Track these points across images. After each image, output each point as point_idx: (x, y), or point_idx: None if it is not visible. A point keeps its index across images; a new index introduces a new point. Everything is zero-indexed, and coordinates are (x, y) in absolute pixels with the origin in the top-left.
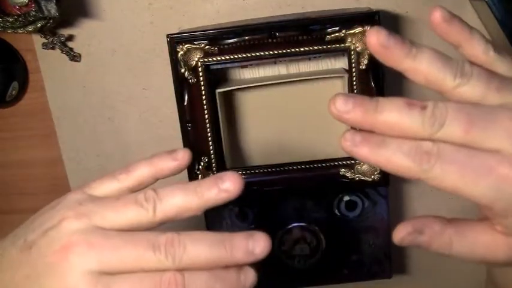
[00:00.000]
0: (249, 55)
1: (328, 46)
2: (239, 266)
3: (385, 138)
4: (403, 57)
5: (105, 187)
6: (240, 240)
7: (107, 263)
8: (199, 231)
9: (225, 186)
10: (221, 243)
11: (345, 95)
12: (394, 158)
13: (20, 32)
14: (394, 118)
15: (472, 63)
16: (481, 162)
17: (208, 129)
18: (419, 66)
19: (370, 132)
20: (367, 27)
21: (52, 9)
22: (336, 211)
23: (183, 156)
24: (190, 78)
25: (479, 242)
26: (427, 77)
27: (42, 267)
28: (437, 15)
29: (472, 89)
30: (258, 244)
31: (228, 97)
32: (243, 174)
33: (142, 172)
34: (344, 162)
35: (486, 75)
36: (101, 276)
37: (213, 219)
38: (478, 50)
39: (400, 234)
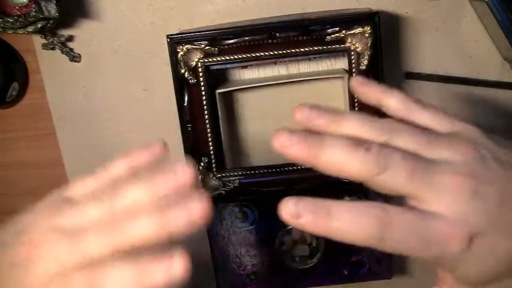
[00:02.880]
0: (249, 55)
1: (328, 47)
2: None
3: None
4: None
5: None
6: None
7: None
8: None
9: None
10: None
11: (289, 132)
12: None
13: (20, 32)
14: (338, 157)
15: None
16: (426, 229)
17: (208, 129)
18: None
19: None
20: (367, 28)
21: (52, 9)
22: None
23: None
24: (190, 79)
25: None
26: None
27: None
28: (356, 81)
29: (404, 144)
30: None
31: (228, 97)
32: (243, 174)
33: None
34: None
35: (417, 133)
36: None
37: (213, 220)
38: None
39: None
